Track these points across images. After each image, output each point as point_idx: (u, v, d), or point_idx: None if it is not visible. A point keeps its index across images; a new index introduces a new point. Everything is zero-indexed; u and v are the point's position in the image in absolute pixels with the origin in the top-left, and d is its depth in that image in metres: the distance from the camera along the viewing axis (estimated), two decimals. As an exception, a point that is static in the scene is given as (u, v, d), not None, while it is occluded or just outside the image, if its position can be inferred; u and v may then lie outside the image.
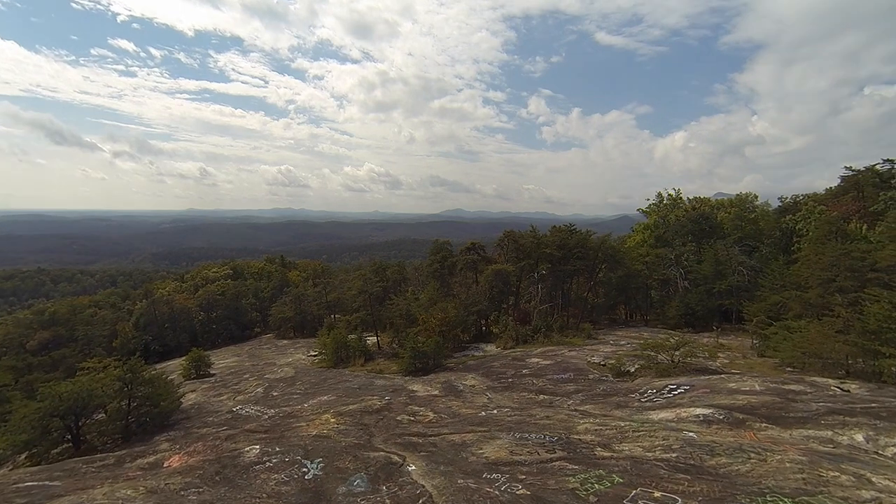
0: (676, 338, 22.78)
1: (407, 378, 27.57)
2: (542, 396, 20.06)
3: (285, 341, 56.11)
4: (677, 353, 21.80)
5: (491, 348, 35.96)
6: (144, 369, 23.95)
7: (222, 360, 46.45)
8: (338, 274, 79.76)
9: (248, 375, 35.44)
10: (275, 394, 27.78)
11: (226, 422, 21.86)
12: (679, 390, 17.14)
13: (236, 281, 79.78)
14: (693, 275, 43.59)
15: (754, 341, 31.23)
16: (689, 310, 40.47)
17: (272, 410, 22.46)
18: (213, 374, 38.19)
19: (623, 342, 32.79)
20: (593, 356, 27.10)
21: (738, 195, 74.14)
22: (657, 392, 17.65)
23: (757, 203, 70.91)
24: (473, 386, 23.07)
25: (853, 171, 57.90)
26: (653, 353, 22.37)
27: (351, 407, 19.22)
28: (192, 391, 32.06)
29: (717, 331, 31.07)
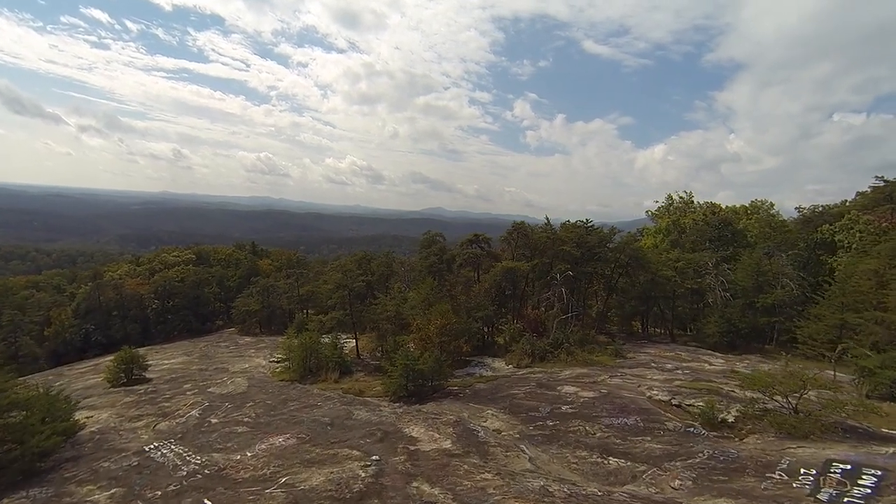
0: (813, 371, 15.94)
1: (398, 408, 20.14)
2: (612, 461, 13.00)
3: (248, 338, 48.20)
4: (804, 396, 14.87)
5: (500, 365, 28.86)
6: (9, 386, 16.09)
7: (168, 359, 38.41)
8: (314, 266, 72.19)
9: (188, 385, 27.69)
10: (213, 421, 20.15)
11: (122, 476, 14.22)
12: (868, 481, 10.27)
13: (199, 267, 70.89)
14: (731, 285, 37.38)
15: (842, 376, 24.84)
16: (730, 326, 34.17)
17: (198, 459, 14.88)
18: (150, 380, 30.23)
19: (669, 365, 26.07)
20: (649, 388, 20.18)
21: (752, 202, 69.07)
22: (820, 477, 10.75)
23: (772, 211, 66.01)
24: (499, 431, 15.88)
25: (886, 181, 53.42)
26: (762, 395, 15.49)
27: (316, 479, 11.77)
28: (107, 406, 24.17)
29: (786, 357, 24.45)
